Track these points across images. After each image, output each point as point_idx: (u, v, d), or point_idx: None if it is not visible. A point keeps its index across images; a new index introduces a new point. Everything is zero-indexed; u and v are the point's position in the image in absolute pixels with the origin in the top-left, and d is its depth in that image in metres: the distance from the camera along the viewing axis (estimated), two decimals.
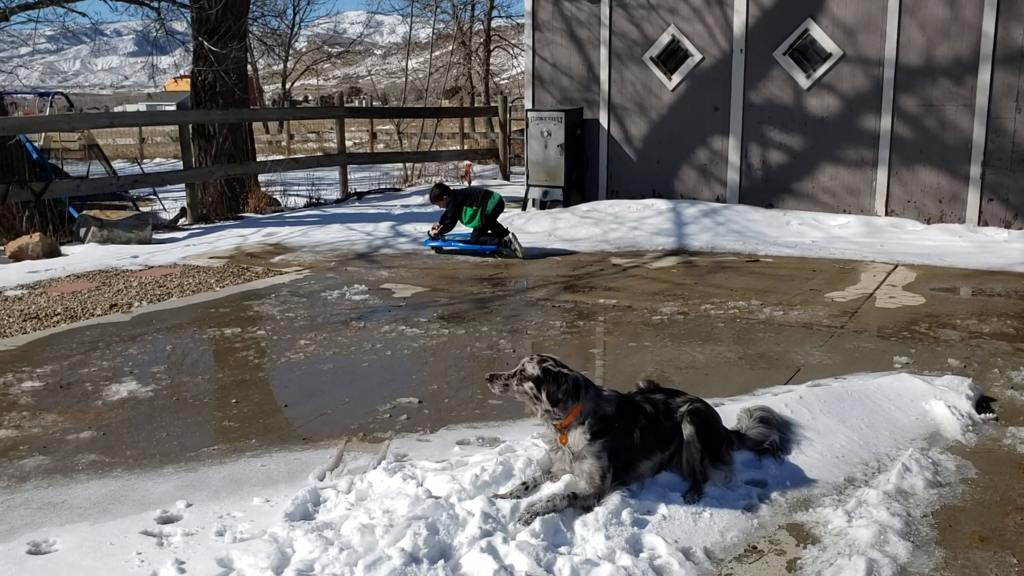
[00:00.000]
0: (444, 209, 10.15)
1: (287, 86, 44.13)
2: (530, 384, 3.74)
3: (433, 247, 10.21)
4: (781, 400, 4.77)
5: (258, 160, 15.72)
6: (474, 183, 16.83)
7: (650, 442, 3.87)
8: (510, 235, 10.00)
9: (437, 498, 3.68)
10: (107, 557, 3.44)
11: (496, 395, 3.92)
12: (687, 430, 3.92)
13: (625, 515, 3.59)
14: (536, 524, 3.46)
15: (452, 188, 10.48)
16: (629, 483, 3.79)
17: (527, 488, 3.78)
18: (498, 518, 3.52)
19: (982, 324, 6.72)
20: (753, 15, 11.88)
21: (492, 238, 10.06)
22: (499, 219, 10.23)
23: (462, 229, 10.22)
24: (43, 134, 15.34)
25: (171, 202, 15.73)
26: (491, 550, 3.30)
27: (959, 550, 3.44)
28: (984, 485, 4.01)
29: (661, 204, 12.02)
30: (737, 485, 3.94)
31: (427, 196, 14.81)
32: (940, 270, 8.75)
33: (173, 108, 28.72)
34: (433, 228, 10.25)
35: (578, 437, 3.73)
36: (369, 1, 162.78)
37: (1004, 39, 10.34)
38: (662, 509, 3.68)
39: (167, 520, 3.77)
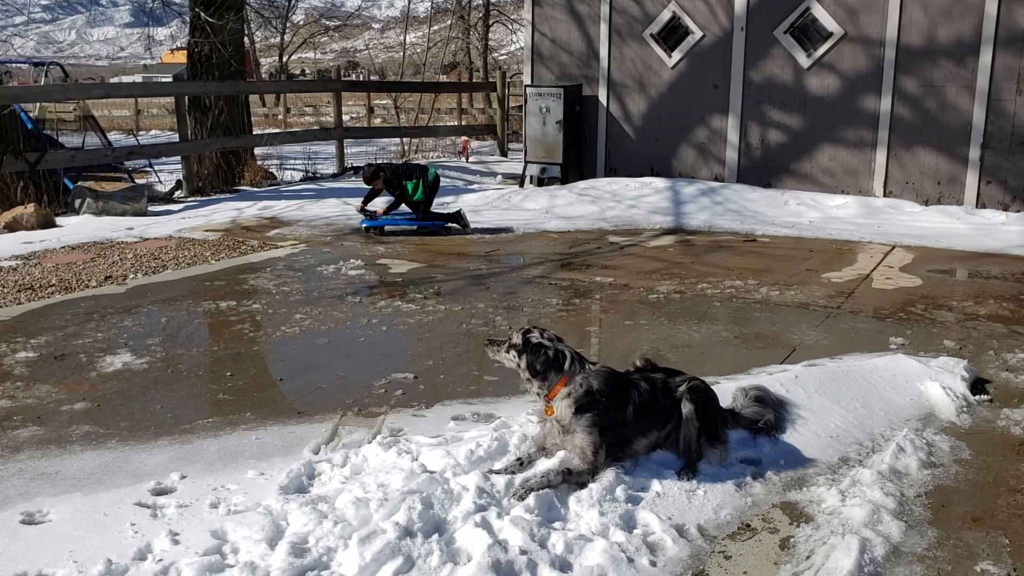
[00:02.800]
0: (373, 189, 9.92)
1: (284, 59, 43.83)
2: (513, 353, 3.81)
3: (369, 227, 9.81)
4: (776, 379, 4.78)
5: (254, 133, 15.64)
6: (472, 160, 16.77)
7: (645, 420, 3.87)
8: (460, 209, 10.00)
9: (432, 473, 3.68)
10: (100, 528, 3.44)
11: (490, 359, 3.96)
12: (686, 408, 3.92)
13: (619, 492, 3.59)
14: (530, 500, 3.46)
15: (384, 164, 10.28)
16: (623, 460, 3.80)
17: (522, 464, 3.78)
18: (492, 493, 3.53)
19: (978, 306, 6.72)
20: None
21: (436, 214, 9.91)
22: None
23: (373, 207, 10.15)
24: (38, 104, 15.20)
25: (167, 174, 15.63)
26: (485, 525, 3.30)
27: (952, 530, 3.46)
28: (977, 466, 4.02)
29: (659, 182, 11.99)
30: (731, 463, 3.95)
31: None
32: (937, 252, 8.75)
33: (169, 80, 28.53)
34: (359, 207, 9.96)
35: (564, 410, 3.74)
36: None
37: (1007, 20, 10.28)
38: (656, 486, 3.69)
39: (161, 492, 3.77)
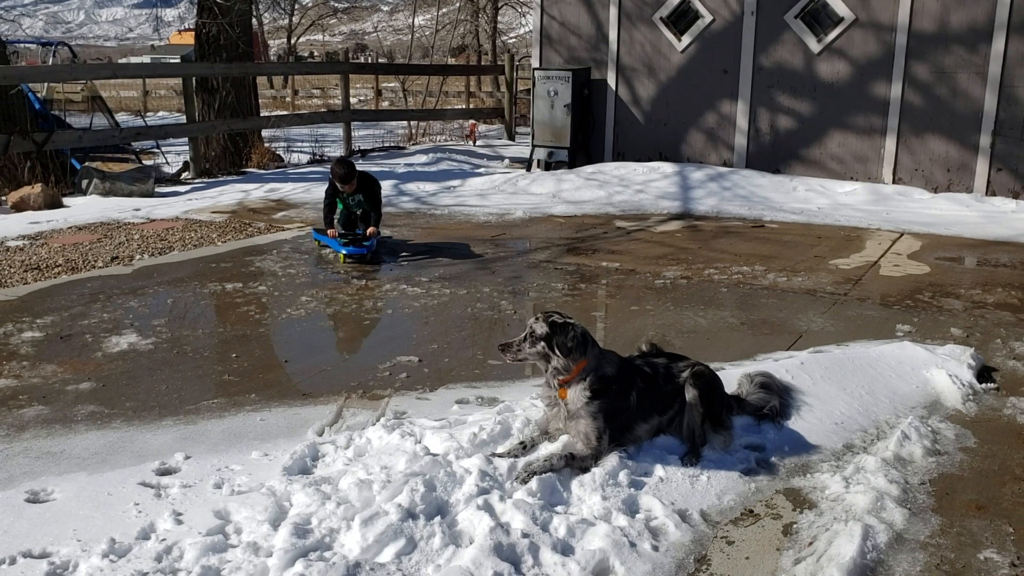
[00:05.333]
0: (333, 191, 7.91)
1: (292, 41, 43.74)
2: (542, 344, 3.73)
3: (352, 256, 7.59)
4: (782, 366, 4.76)
5: (262, 115, 15.62)
6: (479, 143, 16.72)
7: (648, 405, 3.86)
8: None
9: (435, 455, 3.68)
10: (105, 507, 3.45)
11: (509, 363, 3.91)
12: (690, 393, 3.90)
13: (622, 476, 3.59)
14: (533, 483, 3.46)
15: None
16: (626, 445, 3.79)
17: (525, 448, 3.78)
18: (495, 476, 3.53)
19: (986, 294, 6.69)
20: None
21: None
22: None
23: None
24: (46, 84, 15.20)
25: (174, 156, 15.64)
26: (488, 508, 3.30)
27: (955, 518, 3.45)
28: (983, 454, 4.00)
29: (667, 167, 11.93)
30: (735, 449, 3.94)
31: (431, 155, 14.76)
32: (946, 239, 8.70)
33: (177, 61, 28.48)
34: (335, 231, 7.76)
35: (578, 394, 3.72)
36: None
37: (1020, 6, 10.16)
38: (659, 471, 3.69)
39: (165, 472, 3.78)
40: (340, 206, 7.92)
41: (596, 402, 3.70)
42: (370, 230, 7.74)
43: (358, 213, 7.91)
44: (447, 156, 14.80)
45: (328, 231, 7.80)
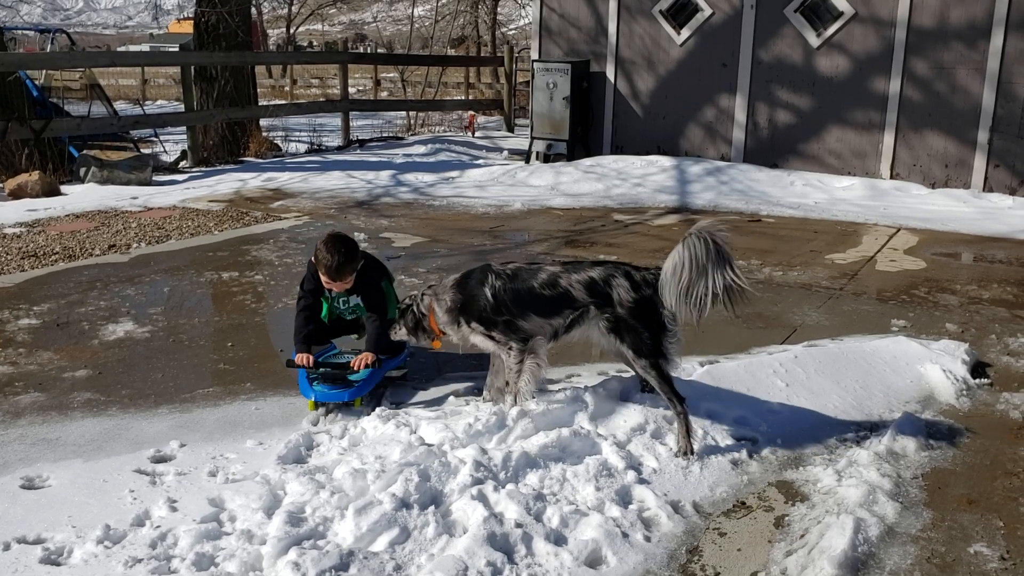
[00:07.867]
0: (327, 288, 4.55)
1: (291, 31, 43.62)
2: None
3: (321, 401, 4.36)
4: (776, 359, 4.78)
5: (260, 104, 15.57)
6: (478, 135, 16.69)
7: (520, 306, 3.97)
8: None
9: (430, 446, 3.70)
10: (100, 494, 3.46)
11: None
12: (627, 353, 3.91)
13: (616, 467, 3.60)
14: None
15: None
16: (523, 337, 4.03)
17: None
18: (490, 467, 3.54)
19: (982, 290, 6.71)
20: None
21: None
22: None
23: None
24: (44, 72, 15.15)
25: (172, 144, 15.60)
26: (482, 498, 3.32)
27: (947, 512, 3.47)
28: (975, 449, 4.02)
29: (665, 161, 11.93)
30: (728, 441, 3.95)
31: (430, 146, 14.72)
32: (942, 235, 8.71)
33: (176, 49, 28.41)
34: (306, 362, 4.39)
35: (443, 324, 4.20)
36: None
37: (1019, 3, 10.16)
38: (652, 462, 3.71)
39: (160, 459, 3.80)
40: (325, 308, 4.69)
41: (446, 321, 4.14)
42: (361, 359, 4.43)
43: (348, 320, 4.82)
44: (446, 147, 14.77)
45: (298, 355, 4.45)
